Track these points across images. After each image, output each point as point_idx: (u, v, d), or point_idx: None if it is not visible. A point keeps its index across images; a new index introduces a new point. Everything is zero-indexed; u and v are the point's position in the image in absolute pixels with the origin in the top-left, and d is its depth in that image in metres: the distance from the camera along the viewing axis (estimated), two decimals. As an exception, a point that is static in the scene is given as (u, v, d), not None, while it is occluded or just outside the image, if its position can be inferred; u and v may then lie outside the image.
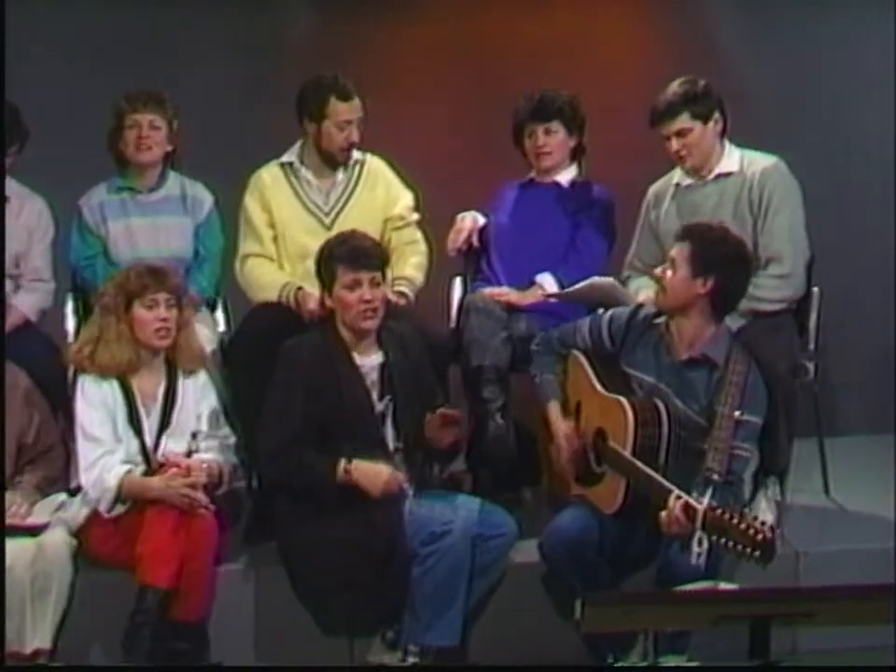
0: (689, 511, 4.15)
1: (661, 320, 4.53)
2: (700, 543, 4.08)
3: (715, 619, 3.51)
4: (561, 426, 4.62)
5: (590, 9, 6.09)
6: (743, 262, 4.50)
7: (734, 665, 3.93)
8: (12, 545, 4.43)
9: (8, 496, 4.57)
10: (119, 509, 4.55)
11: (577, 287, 4.88)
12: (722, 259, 4.44)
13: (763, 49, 6.04)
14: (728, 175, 4.92)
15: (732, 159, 4.93)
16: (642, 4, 6.22)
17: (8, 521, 4.50)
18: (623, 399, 4.44)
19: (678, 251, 4.46)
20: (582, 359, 4.64)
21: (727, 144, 4.95)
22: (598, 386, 4.56)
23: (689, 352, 4.48)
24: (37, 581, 4.43)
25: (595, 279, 4.88)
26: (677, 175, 5.01)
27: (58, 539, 4.49)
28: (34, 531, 4.50)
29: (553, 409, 4.65)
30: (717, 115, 4.89)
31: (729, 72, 5.78)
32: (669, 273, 4.46)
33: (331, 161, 5.02)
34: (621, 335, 4.58)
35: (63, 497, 4.60)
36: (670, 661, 4.34)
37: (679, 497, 4.19)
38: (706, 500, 4.16)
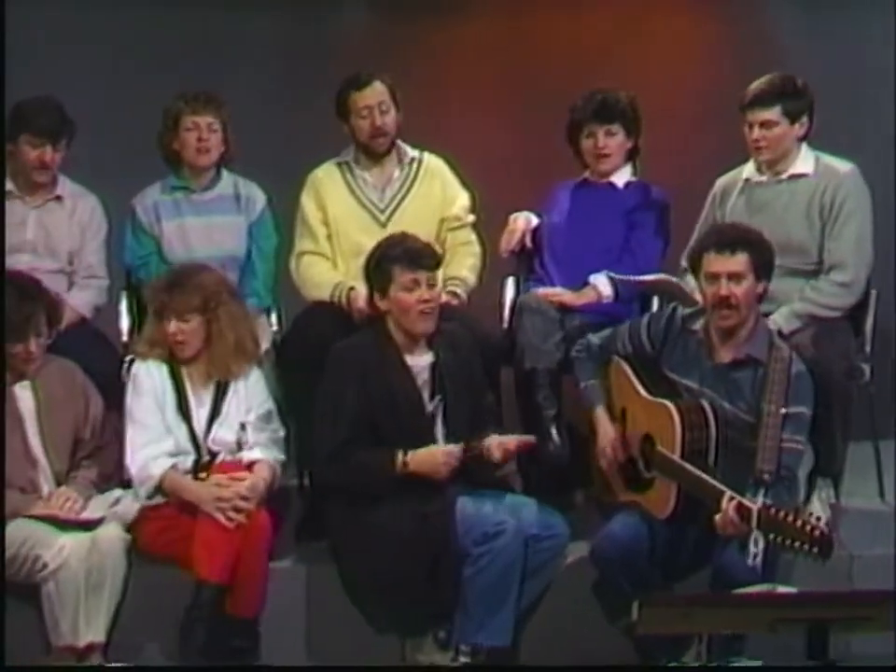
0: (743, 511, 4.14)
1: (698, 325, 4.52)
2: (756, 543, 4.07)
3: (772, 622, 3.50)
4: (609, 431, 4.61)
5: (642, 8, 6.08)
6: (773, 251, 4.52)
7: (790, 666, 3.91)
8: (67, 539, 4.47)
9: (64, 490, 4.60)
10: (159, 498, 4.59)
11: (642, 278, 4.86)
12: (771, 257, 4.47)
13: (823, 50, 5.99)
14: (801, 176, 4.90)
15: (807, 161, 4.91)
16: (697, 2, 6.20)
17: (63, 515, 4.54)
18: (669, 403, 4.43)
19: (737, 263, 4.42)
20: (625, 365, 4.63)
21: (804, 146, 4.93)
22: (643, 391, 4.55)
23: (733, 353, 4.47)
24: (91, 575, 4.46)
25: (662, 276, 4.88)
26: (746, 171, 4.98)
27: (112, 534, 4.52)
28: (88, 526, 4.54)
29: (601, 414, 4.64)
30: (805, 118, 4.88)
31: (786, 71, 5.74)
32: (735, 288, 4.42)
33: (372, 153, 5.03)
34: (660, 339, 4.57)
35: (118, 492, 4.64)
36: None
37: (732, 498, 4.18)
38: (759, 499, 4.14)
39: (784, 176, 4.91)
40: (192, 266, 4.79)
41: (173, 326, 4.65)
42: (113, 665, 4.47)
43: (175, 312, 4.64)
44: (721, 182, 5.04)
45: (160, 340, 4.69)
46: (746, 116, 4.87)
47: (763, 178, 4.94)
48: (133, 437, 4.61)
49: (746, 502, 4.14)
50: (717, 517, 4.19)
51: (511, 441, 4.52)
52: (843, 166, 4.91)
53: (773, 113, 4.84)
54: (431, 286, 4.56)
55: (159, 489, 4.58)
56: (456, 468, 4.50)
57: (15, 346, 4.57)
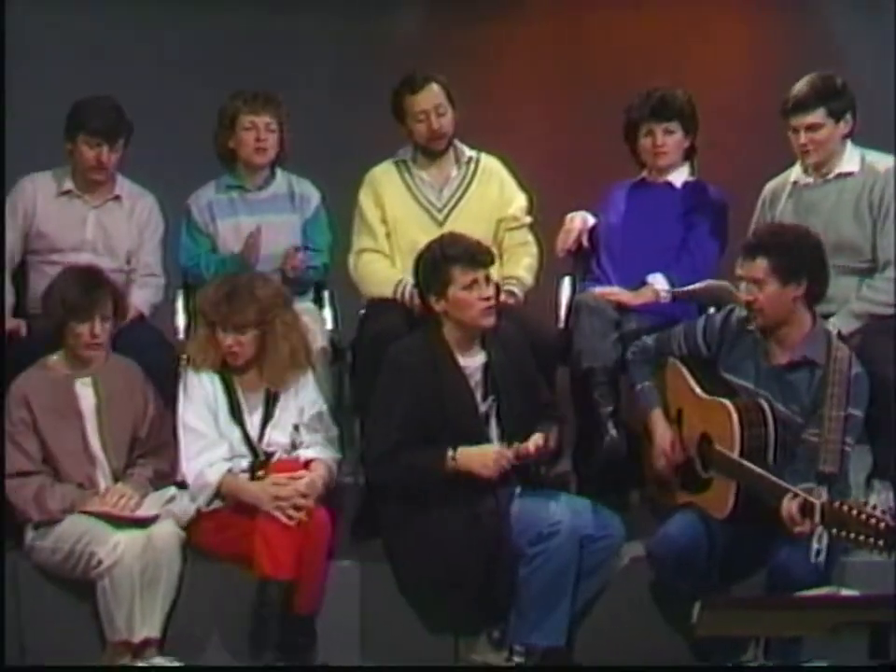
0: (806, 507, 4.12)
1: (754, 326, 4.50)
2: (820, 539, 4.05)
3: (834, 625, 3.47)
4: (666, 433, 4.59)
5: (697, 6, 6.06)
6: (819, 249, 4.49)
7: (851, 666, 3.88)
8: (121, 536, 4.50)
9: (119, 487, 4.64)
10: (217, 503, 4.60)
11: (693, 287, 4.85)
12: (805, 257, 4.44)
13: (878, 47, 5.96)
14: (848, 174, 4.87)
15: (852, 159, 4.88)
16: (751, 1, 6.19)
17: (118, 512, 4.57)
18: (727, 401, 4.42)
19: (757, 269, 4.41)
20: (681, 366, 4.61)
21: (848, 144, 4.90)
22: (699, 391, 4.53)
23: (789, 356, 4.45)
24: (146, 571, 4.49)
25: (710, 282, 4.86)
26: (794, 173, 4.96)
27: (167, 531, 4.55)
28: (143, 523, 4.56)
29: (658, 417, 4.62)
30: (848, 116, 4.85)
31: (841, 70, 5.70)
32: (757, 293, 4.41)
33: (430, 153, 5.05)
34: (716, 341, 4.56)
35: (173, 490, 4.66)
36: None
37: (795, 495, 4.16)
38: (823, 495, 4.12)
39: (831, 177, 4.87)
40: (249, 277, 4.74)
41: (229, 339, 4.62)
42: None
43: (233, 325, 4.62)
44: (769, 186, 5.02)
45: (212, 348, 4.67)
46: (790, 121, 4.83)
47: (811, 180, 4.91)
48: (186, 445, 4.62)
49: (809, 498, 4.12)
50: (782, 512, 4.15)
51: (542, 435, 4.49)
52: (889, 162, 4.86)
53: (817, 116, 4.80)
54: (489, 282, 4.57)
55: (217, 494, 4.59)
56: (505, 469, 4.48)
57: (79, 327, 4.60)
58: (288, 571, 4.44)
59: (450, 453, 4.48)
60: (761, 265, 4.41)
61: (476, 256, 4.56)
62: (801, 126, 4.82)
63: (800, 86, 4.84)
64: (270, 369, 4.66)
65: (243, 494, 4.56)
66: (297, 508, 4.47)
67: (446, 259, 4.56)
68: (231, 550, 4.54)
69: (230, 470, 4.60)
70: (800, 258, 4.44)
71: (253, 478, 4.62)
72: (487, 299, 4.53)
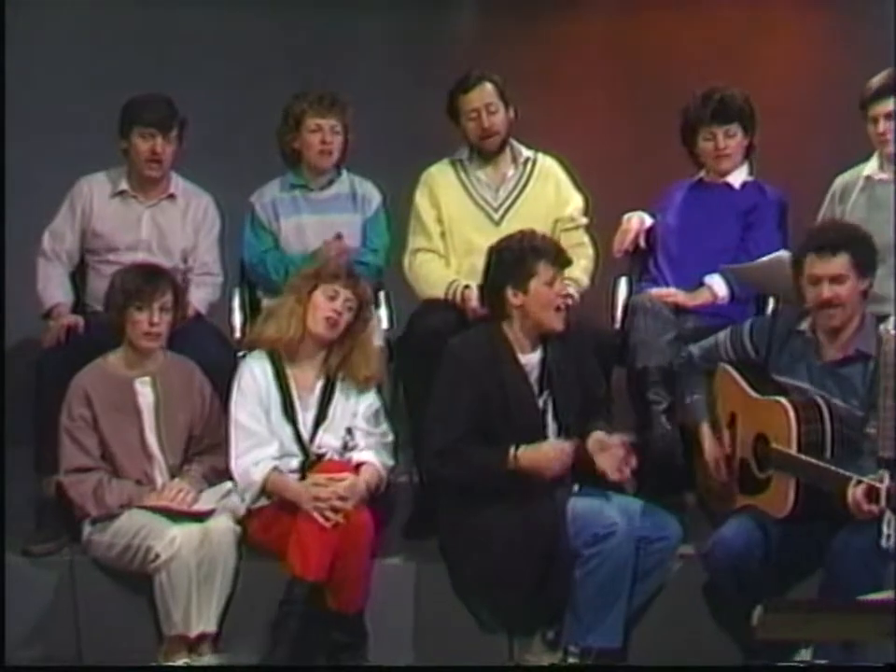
0: (872, 493, 4.09)
1: (804, 325, 4.48)
2: (890, 524, 4.02)
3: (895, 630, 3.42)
4: (714, 449, 4.58)
5: (758, 5, 6.03)
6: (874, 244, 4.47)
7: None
8: (178, 531, 4.52)
9: (177, 482, 4.66)
10: (263, 501, 4.61)
11: (763, 260, 4.80)
12: (873, 253, 4.43)
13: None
14: None
15: None
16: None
17: (175, 506, 4.59)
18: (783, 399, 4.41)
19: (838, 265, 4.37)
20: (731, 370, 4.59)
21: None
22: (752, 393, 4.52)
23: (843, 351, 4.43)
24: (203, 566, 4.51)
25: (783, 252, 4.77)
26: (867, 168, 4.93)
27: (223, 526, 4.57)
28: (200, 517, 4.58)
29: (706, 432, 4.60)
30: None
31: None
32: (839, 289, 4.38)
33: (484, 153, 5.05)
34: (765, 344, 4.54)
35: (229, 484, 4.67)
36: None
37: (859, 482, 4.13)
38: (886, 480, 4.09)
39: None
40: None
41: (338, 304, 4.63)
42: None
43: (353, 292, 4.63)
44: (840, 180, 4.98)
45: (296, 311, 4.64)
46: (868, 110, 4.82)
47: (885, 175, 4.88)
48: (236, 442, 4.64)
49: (875, 483, 4.10)
50: (848, 500, 4.12)
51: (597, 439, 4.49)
52: None
53: None
54: (563, 282, 4.57)
55: (262, 492, 4.61)
56: (567, 465, 4.48)
57: (138, 315, 4.63)
58: (316, 573, 4.44)
59: (512, 451, 4.47)
60: (842, 261, 4.38)
61: (559, 255, 4.58)
62: (880, 114, 4.79)
63: (880, 77, 4.83)
64: (358, 357, 4.65)
65: (286, 492, 4.57)
66: (334, 510, 4.47)
67: (534, 251, 4.55)
68: (277, 547, 4.54)
69: (276, 468, 4.61)
70: (873, 252, 4.43)
71: (302, 477, 4.63)
72: (564, 297, 4.55)
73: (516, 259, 4.56)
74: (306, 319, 4.67)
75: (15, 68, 5.32)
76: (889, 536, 4.03)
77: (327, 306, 4.66)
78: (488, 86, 5.01)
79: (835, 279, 4.38)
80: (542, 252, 4.54)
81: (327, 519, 4.46)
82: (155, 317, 4.64)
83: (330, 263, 4.76)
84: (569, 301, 4.55)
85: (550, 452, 4.48)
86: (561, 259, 4.58)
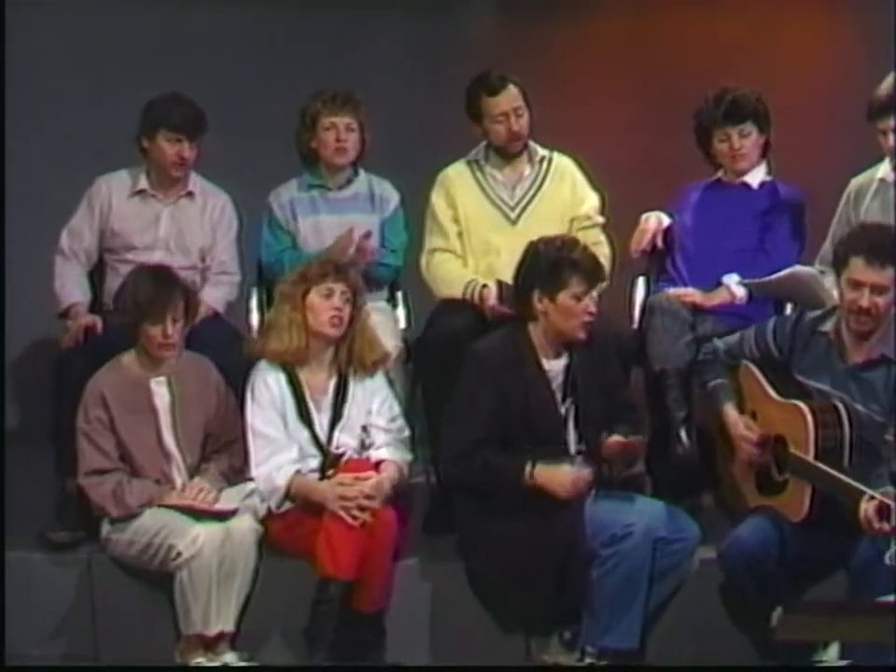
0: (883, 510, 4.08)
1: (828, 326, 4.47)
2: None
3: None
4: (740, 424, 4.54)
5: (772, 6, 6.01)
6: None
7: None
8: (201, 529, 4.53)
9: (198, 481, 4.67)
10: (288, 505, 4.62)
11: (778, 275, 4.80)
12: None
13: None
14: None
15: None
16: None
17: (198, 505, 4.60)
18: (801, 403, 4.39)
19: (887, 278, 4.35)
20: (753, 368, 4.59)
21: None
22: (773, 394, 4.50)
23: (865, 354, 4.41)
24: (224, 565, 4.52)
25: (798, 268, 4.79)
26: (881, 170, 4.91)
27: (245, 525, 4.58)
28: (222, 516, 4.59)
29: (730, 411, 4.58)
30: None
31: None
32: (878, 300, 4.35)
33: (505, 154, 5.05)
34: (787, 344, 4.52)
35: (251, 484, 4.67)
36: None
37: (871, 498, 4.12)
38: None
39: None
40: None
41: (336, 300, 4.61)
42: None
43: (345, 283, 4.63)
44: (855, 182, 4.97)
45: (296, 319, 4.63)
46: (877, 124, 4.79)
47: None
48: (256, 450, 4.64)
49: (886, 500, 4.09)
50: (859, 515, 4.11)
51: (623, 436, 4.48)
52: None
53: None
54: (594, 298, 4.53)
55: (287, 496, 4.61)
56: (583, 491, 4.46)
57: (153, 328, 4.63)
58: (348, 571, 4.45)
59: (528, 468, 4.45)
60: (889, 274, 4.35)
61: (595, 270, 4.54)
62: (889, 129, 4.77)
63: (882, 89, 4.79)
64: (360, 345, 4.65)
65: (312, 494, 4.58)
66: (361, 508, 4.48)
67: (571, 263, 4.50)
68: (300, 547, 4.56)
69: (298, 472, 4.62)
70: None
71: (322, 478, 4.64)
72: (591, 313, 4.51)
73: (551, 266, 4.52)
74: (308, 325, 4.66)
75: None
76: (893, 555, 4.01)
77: (326, 306, 4.65)
78: (514, 89, 5.01)
79: (877, 288, 4.36)
80: (579, 266, 4.50)
81: (354, 518, 4.47)
82: (169, 329, 4.65)
83: (313, 262, 4.73)
84: (593, 318, 4.50)
85: (567, 476, 4.45)
86: (598, 276, 4.54)
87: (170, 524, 4.55)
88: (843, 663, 4.28)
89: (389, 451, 4.70)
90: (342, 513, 4.47)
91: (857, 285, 4.38)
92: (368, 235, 5.02)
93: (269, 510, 4.62)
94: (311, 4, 5.95)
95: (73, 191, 5.21)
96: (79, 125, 5.78)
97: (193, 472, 4.70)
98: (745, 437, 4.52)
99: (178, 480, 4.68)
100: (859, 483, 4.19)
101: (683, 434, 4.72)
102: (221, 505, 4.61)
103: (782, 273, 4.80)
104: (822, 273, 4.92)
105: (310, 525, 4.53)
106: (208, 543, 4.50)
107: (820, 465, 4.29)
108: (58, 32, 5.85)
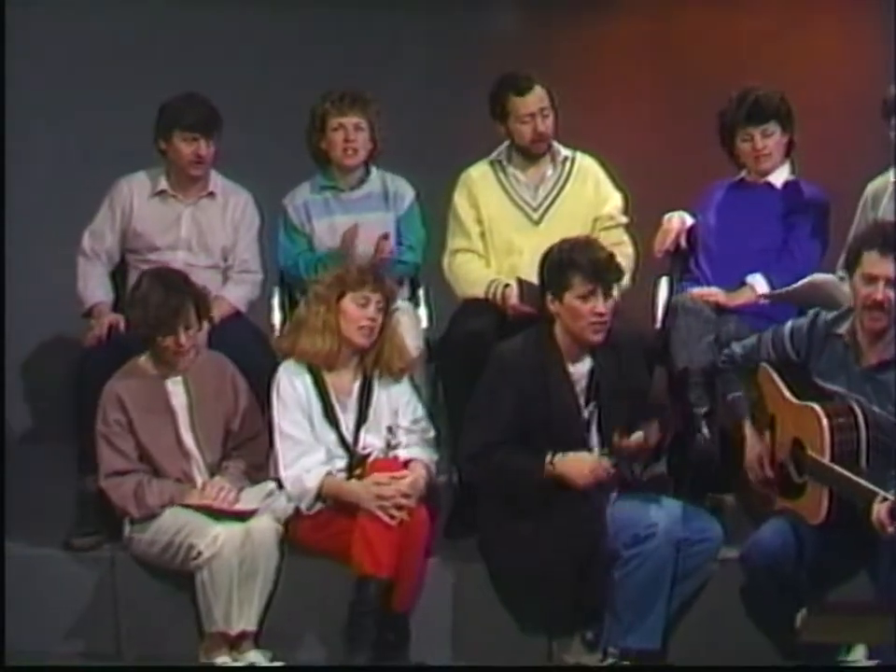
0: (895, 512, 4.06)
1: (843, 328, 4.45)
2: None
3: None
4: (755, 446, 4.55)
5: (792, 4, 6.00)
6: None
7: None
8: (221, 529, 4.54)
9: (218, 480, 4.68)
10: (319, 506, 4.62)
11: (796, 285, 4.80)
12: None
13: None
14: None
15: None
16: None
17: (218, 505, 4.61)
18: (816, 406, 4.38)
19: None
20: (772, 371, 4.57)
21: None
22: (790, 396, 4.49)
23: (880, 355, 4.40)
24: (245, 564, 4.53)
25: (817, 276, 4.79)
26: (894, 172, 4.88)
27: (266, 525, 4.58)
28: (242, 516, 4.60)
29: (748, 430, 4.57)
30: None
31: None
32: (890, 292, 4.33)
33: (529, 155, 5.05)
34: (804, 346, 4.51)
35: (272, 484, 4.68)
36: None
37: (884, 500, 4.11)
38: None
39: None
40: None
41: (371, 310, 4.61)
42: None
43: (382, 293, 4.63)
44: (871, 187, 4.95)
45: (329, 322, 4.62)
46: (892, 122, 4.76)
47: None
48: (283, 452, 4.64)
49: None
50: (872, 516, 4.10)
51: (643, 433, 4.46)
52: None
53: None
54: (607, 297, 4.49)
55: (318, 497, 4.61)
56: (602, 480, 4.44)
57: (165, 340, 4.64)
58: (388, 570, 4.46)
59: (548, 458, 4.45)
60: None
61: (600, 269, 4.49)
62: None
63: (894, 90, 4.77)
64: (389, 350, 4.65)
65: (344, 494, 4.57)
66: (399, 507, 4.48)
67: (571, 263, 4.49)
68: (330, 547, 4.56)
69: (328, 473, 4.61)
70: None
71: (350, 477, 4.63)
72: (600, 314, 4.46)
73: (554, 266, 4.53)
74: (340, 329, 4.66)
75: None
76: None
77: (360, 315, 4.65)
78: (540, 90, 5.01)
79: (892, 282, 4.34)
80: (578, 265, 4.47)
81: (391, 517, 4.47)
82: (182, 339, 4.64)
83: (352, 267, 4.71)
84: (605, 319, 4.46)
85: (585, 465, 4.44)
86: (605, 274, 4.48)
87: (190, 523, 4.56)
88: (871, 663, 4.26)
89: (416, 450, 4.70)
90: (379, 513, 4.47)
91: (871, 279, 4.36)
92: (386, 237, 5.02)
93: (296, 510, 4.61)
94: (331, 3, 5.95)
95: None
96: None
97: (214, 470, 4.70)
98: (756, 467, 4.52)
99: (199, 479, 4.69)
100: (872, 485, 4.17)
101: (704, 427, 4.70)
102: (241, 505, 4.61)
103: (802, 282, 4.79)
104: (842, 279, 4.91)
105: (340, 525, 4.53)
106: (228, 543, 4.51)
107: (835, 466, 4.28)
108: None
